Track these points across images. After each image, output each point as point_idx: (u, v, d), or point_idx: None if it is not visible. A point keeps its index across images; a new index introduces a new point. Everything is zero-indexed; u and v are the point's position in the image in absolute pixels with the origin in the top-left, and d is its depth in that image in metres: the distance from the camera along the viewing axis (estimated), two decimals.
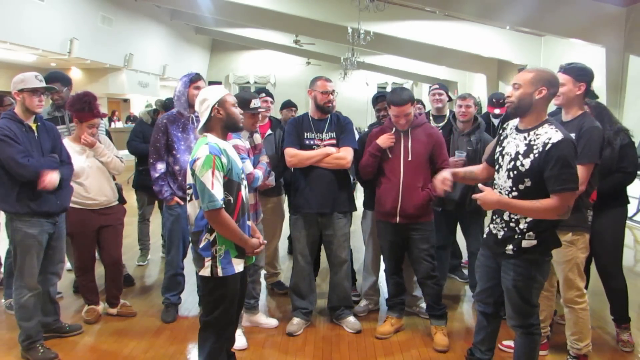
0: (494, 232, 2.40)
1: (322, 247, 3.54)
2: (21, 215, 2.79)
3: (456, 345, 3.15)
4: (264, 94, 3.75)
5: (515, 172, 2.25)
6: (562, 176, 2.12)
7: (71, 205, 3.10)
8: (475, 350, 2.69)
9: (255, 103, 3.02)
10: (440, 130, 3.54)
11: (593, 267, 3.24)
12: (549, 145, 2.14)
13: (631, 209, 6.32)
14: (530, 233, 2.25)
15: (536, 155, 2.18)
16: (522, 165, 2.22)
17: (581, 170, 2.49)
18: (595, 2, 7.65)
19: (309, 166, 3.22)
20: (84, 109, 3.18)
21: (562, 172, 2.12)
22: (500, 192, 2.35)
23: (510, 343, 2.98)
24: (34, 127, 2.88)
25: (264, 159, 3.18)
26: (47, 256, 2.97)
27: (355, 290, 3.88)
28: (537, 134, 2.21)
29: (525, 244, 2.26)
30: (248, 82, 21.06)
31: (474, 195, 2.31)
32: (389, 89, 19.37)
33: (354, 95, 19.67)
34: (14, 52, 10.48)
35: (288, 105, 4.55)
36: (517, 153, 2.25)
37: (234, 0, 10.29)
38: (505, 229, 2.33)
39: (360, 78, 20.08)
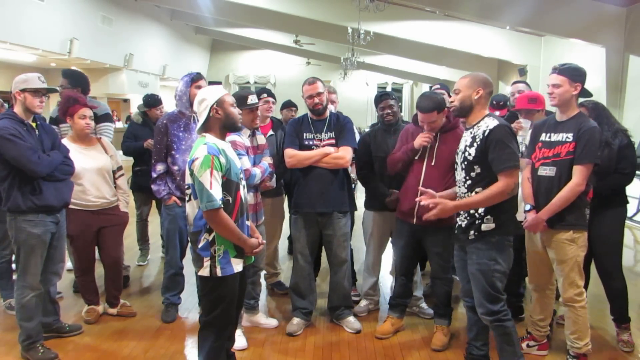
0: (459, 223, 2.59)
1: (323, 247, 3.54)
2: (25, 213, 2.79)
3: (456, 345, 3.15)
4: (265, 94, 3.74)
5: (465, 162, 2.52)
6: (502, 156, 2.38)
7: (70, 206, 3.10)
8: (471, 348, 2.73)
9: (252, 99, 3.04)
10: None
11: (593, 267, 3.24)
12: (487, 132, 2.42)
13: (631, 209, 6.32)
14: (489, 217, 2.45)
15: (479, 142, 2.44)
16: (470, 154, 2.48)
17: (581, 170, 2.59)
18: (595, 2, 7.65)
19: (309, 166, 3.22)
20: (70, 101, 3.21)
21: (501, 153, 2.38)
22: (459, 187, 2.60)
23: None
24: (34, 125, 2.88)
25: (267, 160, 3.18)
26: (49, 256, 2.97)
27: (356, 290, 3.88)
28: (478, 126, 2.49)
29: (484, 227, 2.46)
30: (248, 82, 21.05)
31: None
32: (389, 89, 19.37)
33: (354, 95, 19.65)
34: (14, 52, 10.47)
35: (288, 105, 4.55)
36: (465, 146, 2.53)
37: (234, 0, 10.28)
38: (468, 218, 2.53)
39: (360, 78, 20.05)
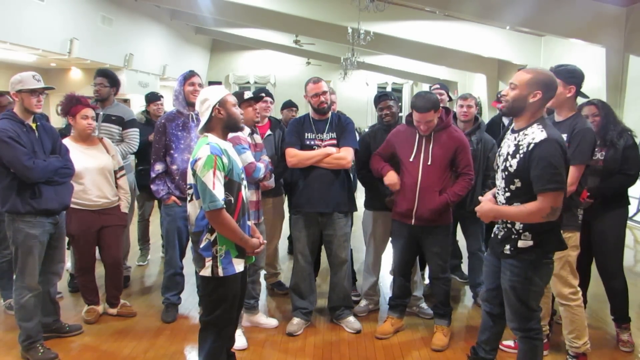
0: (496, 232, 2.43)
1: (323, 247, 3.54)
2: (23, 215, 2.79)
3: (456, 345, 3.15)
4: (263, 94, 3.75)
5: (506, 172, 2.27)
6: (544, 176, 2.11)
7: (72, 206, 3.10)
8: (478, 349, 2.67)
9: (247, 94, 3.07)
10: None
11: (593, 267, 3.24)
12: (532, 145, 2.14)
13: (631, 209, 6.31)
14: (527, 233, 2.24)
15: (522, 155, 2.18)
16: (511, 165, 2.23)
17: (572, 171, 2.50)
18: (595, 2, 7.65)
19: (310, 166, 3.22)
20: (72, 101, 3.22)
21: (544, 172, 2.11)
22: (498, 193, 2.37)
23: (510, 343, 2.99)
24: (33, 126, 2.88)
25: (265, 158, 3.18)
26: (48, 256, 2.97)
27: (356, 290, 3.88)
28: (524, 134, 2.21)
29: (521, 244, 2.25)
30: (248, 82, 21.01)
31: (476, 208, 2.38)
32: (389, 89, 19.37)
33: (354, 95, 19.62)
34: (14, 52, 10.45)
35: (289, 105, 4.56)
36: (508, 154, 2.27)
37: (234, 0, 10.28)
38: (505, 230, 2.34)
39: (360, 78, 20.02)
